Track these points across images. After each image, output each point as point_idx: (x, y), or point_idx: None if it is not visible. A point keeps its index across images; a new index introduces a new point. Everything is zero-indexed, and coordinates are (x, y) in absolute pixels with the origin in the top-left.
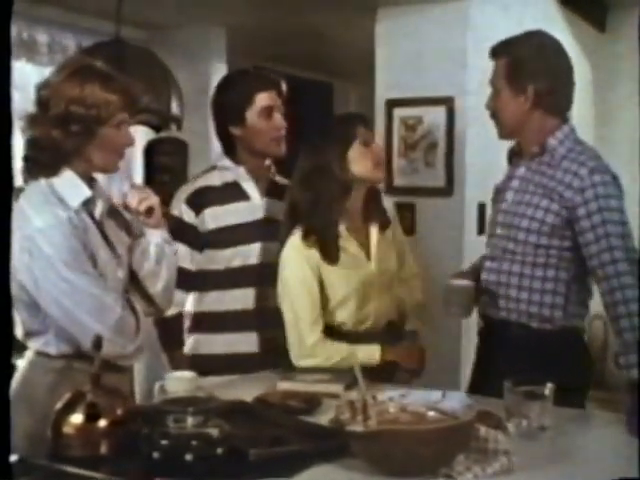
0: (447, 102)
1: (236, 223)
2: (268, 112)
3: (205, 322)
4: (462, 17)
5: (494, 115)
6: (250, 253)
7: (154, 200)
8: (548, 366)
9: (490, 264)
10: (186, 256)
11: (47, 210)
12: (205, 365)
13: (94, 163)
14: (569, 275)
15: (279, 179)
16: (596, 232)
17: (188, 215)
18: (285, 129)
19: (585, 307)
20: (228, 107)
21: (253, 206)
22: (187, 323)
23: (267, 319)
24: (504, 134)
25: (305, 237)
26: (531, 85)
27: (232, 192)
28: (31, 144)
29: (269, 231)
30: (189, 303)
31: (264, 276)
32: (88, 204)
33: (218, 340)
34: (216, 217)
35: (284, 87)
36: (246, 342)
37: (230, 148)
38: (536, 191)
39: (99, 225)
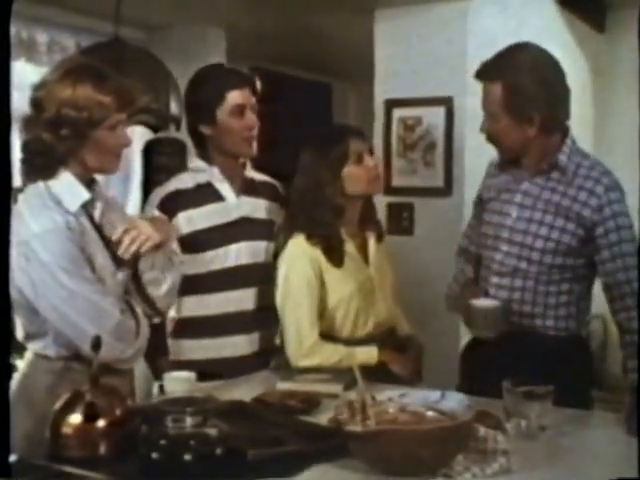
0: (446, 102)
1: (212, 225)
2: (240, 111)
3: (189, 327)
4: (461, 18)
5: (491, 140)
6: (229, 255)
7: (155, 239)
8: (560, 372)
9: (499, 280)
10: None
11: (44, 215)
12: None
13: (90, 165)
14: (581, 287)
15: (255, 175)
16: (612, 251)
17: None
18: (257, 129)
19: (589, 313)
20: (198, 105)
21: (228, 207)
22: (168, 329)
23: (255, 321)
24: (507, 158)
25: (309, 237)
26: (537, 113)
27: (205, 194)
28: (25, 147)
29: (247, 231)
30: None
31: (249, 277)
32: (87, 206)
33: (202, 345)
34: (190, 221)
35: (258, 85)
36: (233, 346)
37: (202, 148)
38: (547, 209)
39: (98, 227)
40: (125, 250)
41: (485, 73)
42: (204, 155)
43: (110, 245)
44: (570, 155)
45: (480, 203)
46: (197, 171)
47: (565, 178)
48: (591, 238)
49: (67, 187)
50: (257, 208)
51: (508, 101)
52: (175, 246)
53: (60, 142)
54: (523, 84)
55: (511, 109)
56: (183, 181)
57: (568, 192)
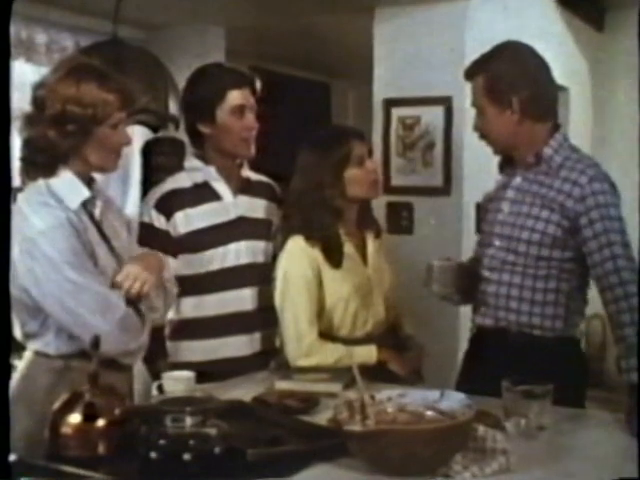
0: (445, 102)
1: (209, 225)
2: (240, 111)
3: (188, 329)
4: (460, 17)
5: (483, 135)
6: (228, 254)
7: (151, 280)
8: (549, 374)
9: (489, 275)
10: None
11: (47, 212)
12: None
13: (91, 163)
14: (570, 286)
15: (251, 175)
16: (599, 240)
17: (159, 221)
18: (256, 130)
19: (583, 316)
20: (198, 103)
21: (225, 206)
22: (167, 331)
23: (256, 321)
24: (498, 151)
25: (308, 238)
26: (515, 96)
27: (203, 193)
28: (27, 144)
29: (245, 230)
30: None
31: (248, 277)
32: (87, 204)
33: (202, 346)
34: (188, 220)
35: (258, 85)
36: (234, 346)
37: (199, 146)
38: (534, 202)
39: (98, 225)
40: (125, 295)
41: (471, 71)
42: (201, 154)
43: (110, 242)
44: (558, 149)
45: (482, 207)
46: (193, 170)
47: (551, 171)
48: (576, 229)
49: (68, 185)
50: (254, 208)
51: (489, 90)
52: (168, 275)
53: (64, 139)
54: (503, 72)
55: (492, 97)
56: (180, 180)
57: (553, 184)
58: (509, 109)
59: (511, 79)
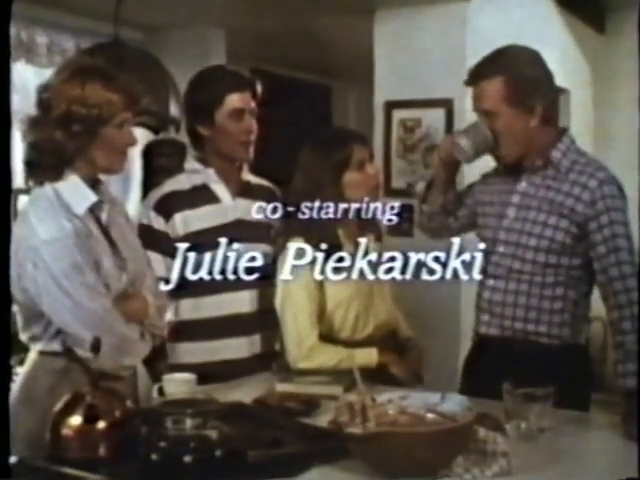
0: (446, 104)
1: (208, 227)
2: (238, 114)
3: (186, 330)
4: (461, 19)
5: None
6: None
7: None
8: (555, 381)
9: (494, 283)
10: (160, 264)
11: (53, 221)
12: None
13: (98, 164)
14: (578, 293)
15: (251, 178)
16: (607, 245)
17: (157, 222)
18: (255, 133)
19: (588, 321)
20: (197, 106)
21: (224, 208)
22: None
23: (256, 323)
24: (509, 157)
25: (308, 240)
26: (539, 99)
27: (202, 195)
28: (33, 147)
29: (243, 233)
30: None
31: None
32: (94, 209)
33: (201, 348)
34: (186, 222)
35: (259, 88)
36: (233, 348)
37: (199, 149)
38: (541, 207)
39: (105, 230)
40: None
41: (480, 74)
42: (201, 156)
43: (117, 245)
44: (566, 152)
45: (470, 194)
46: (193, 172)
47: (559, 175)
48: (585, 234)
49: (74, 190)
50: (253, 211)
51: (511, 93)
52: (154, 320)
53: (71, 139)
54: (525, 74)
55: (513, 100)
56: (179, 182)
57: (562, 188)
58: (530, 112)
59: (536, 81)
